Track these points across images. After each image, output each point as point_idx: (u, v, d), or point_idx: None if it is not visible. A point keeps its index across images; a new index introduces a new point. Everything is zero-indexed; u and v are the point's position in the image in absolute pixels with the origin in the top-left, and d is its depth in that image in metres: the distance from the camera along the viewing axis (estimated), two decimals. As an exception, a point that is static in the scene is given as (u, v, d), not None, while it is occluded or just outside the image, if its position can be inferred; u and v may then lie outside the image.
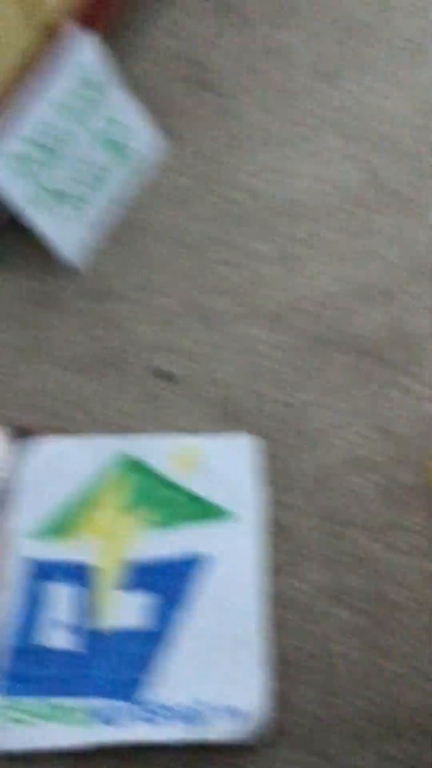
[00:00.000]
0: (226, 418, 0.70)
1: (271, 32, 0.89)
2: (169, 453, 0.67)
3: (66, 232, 0.77)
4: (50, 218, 0.75)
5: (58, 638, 0.63)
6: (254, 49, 0.88)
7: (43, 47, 0.76)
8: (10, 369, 0.75)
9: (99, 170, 0.79)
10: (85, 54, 0.76)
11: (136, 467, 0.67)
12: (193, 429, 0.70)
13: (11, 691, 0.61)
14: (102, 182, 0.79)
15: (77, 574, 0.64)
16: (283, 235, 0.78)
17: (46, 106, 0.74)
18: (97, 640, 0.63)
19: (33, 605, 0.64)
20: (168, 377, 0.72)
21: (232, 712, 0.60)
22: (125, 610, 0.63)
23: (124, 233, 0.80)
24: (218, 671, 0.61)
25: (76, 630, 0.63)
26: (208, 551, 0.64)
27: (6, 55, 0.73)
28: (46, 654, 0.63)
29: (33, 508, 0.67)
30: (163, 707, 0.60)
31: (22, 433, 0.71)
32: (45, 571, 0.65)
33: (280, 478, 0.67)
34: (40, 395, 0.73)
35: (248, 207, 0.79)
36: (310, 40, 0.88)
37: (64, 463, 0.68)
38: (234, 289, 0.75)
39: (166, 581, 0.63)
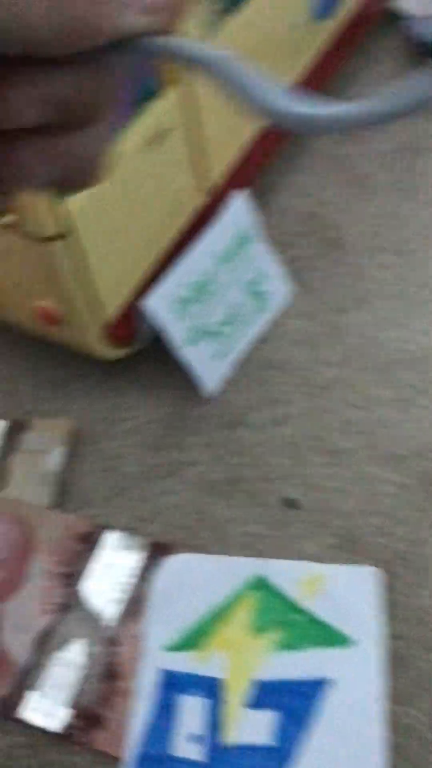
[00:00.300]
0: (347, 547, 0.75)
1: (396, 201, 0.98)
2: (296, 578, 0.72)
3: (208, 366, 0.85)
4: (197, 352, 0.84)
5: (184, 748, 0.67)
6: (378, 214, 0.98)
7: (207, 206, 0.87)
8: (146, 487, 0.82)
9: (241, 312, 0.88)
10: (239, 212, 0.86)
11: (266, 589, 0.72)
12: (316, 556, 0.75)
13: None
14: (243, 323, 0.88)
15: (206, 687, 0.69)
16: (402, 382, 0.84)
17: (205, 256, 0.84)
18: (222, 752, 0.66)
19: (163, 714, 0.68)
20: (293, 505, 0.78)
21: None
22: (250, 726, 0.67)
23: (256, 369, 0.88)
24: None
25: (203, 741, 0.67)
26: (330, 675, 0.68)
27: (180, 216, 0.84)
28: (172, 763, 0.67)
29: (166, 619, 0.72)
30: None
31: (159, 548, 0.77)
32: (175, 682, 0.69)
33: (399, 610, 0.71)
34: (174, 513, 0.80)
35: (369, 354, 0.87)
36: (429, 210, 0.97)
37: (197, 579, 0.74)
38: (357, 429, 0.82)
39: (290, 701, 0.67)
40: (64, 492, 0.82)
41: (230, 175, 0.90)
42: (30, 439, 0.87)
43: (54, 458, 0.85)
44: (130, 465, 0.83)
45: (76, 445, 0.86)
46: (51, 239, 0.70)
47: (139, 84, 0.83)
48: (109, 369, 0.91)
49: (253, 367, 0.88)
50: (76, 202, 0.71)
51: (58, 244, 0.71)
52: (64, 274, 0.73)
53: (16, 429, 0.87)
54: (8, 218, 0.71)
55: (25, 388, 0.91)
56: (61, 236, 0.70)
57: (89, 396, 0.90)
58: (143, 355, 0.89)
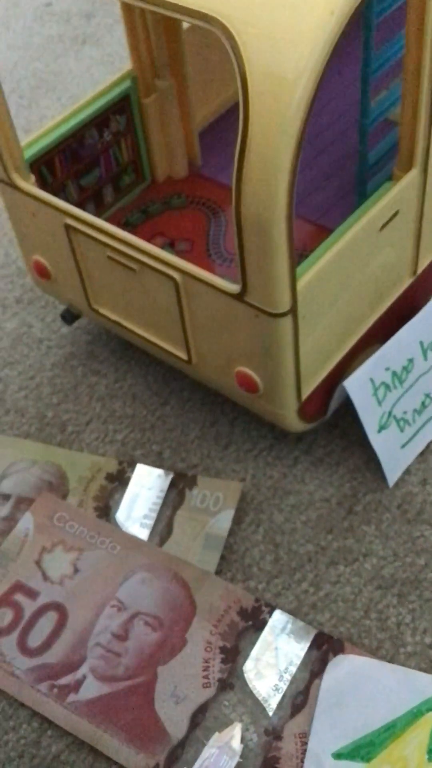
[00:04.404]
0: None
1: None
2: None
3: (393, 454, 0.82)
4: (386, 439, 0.81)
5: None
6: None
7: (413, 289, 0.85)
8: (318, 571, 0.78)
9: (434, 404, 0.86)
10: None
11: None
12: None
13: None
14: (434, 416, 0.86)
15: None
16: None
17: (412, 342, 0.81)
18: None
19: None
20: None
21: None
22: None
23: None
24: None
25: None
26: None
27: (388, 298, 0.82)
28: None
29: (334, 724, 0.69)
30: None
31: (329, 642, 0.73)
32: (341, 794, 0.67)
33: None
34: (346, 606, 0.76)
35: None
36: None
37: (373, 687, 0.70)
38: None
39: None
40: (225, 558, 0.79)
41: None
42: (196, 495, 0.85)
43: (222, 522, 0.82)
44: (298, 543, 0.80)
45: (241, 510, 0.83)
46: (281, 315, 0.68)
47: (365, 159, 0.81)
48: (281, 436, 0.88)
49: (437, 459, 0.86)
50: (304, 280, 0.69)
51: (285, 320, 0.69)
52: (279, 348, 0.71)
53: (182, 482, 0.85)
54: (235, 288, 0.69)
55: (192, 440, 0.89)
56: (290, 312, 0.69)
57: (259, 460, 0.87)
58: (317, 430, 0.87)
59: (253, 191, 0.59)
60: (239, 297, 0.68)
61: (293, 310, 0.68)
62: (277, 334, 0.69)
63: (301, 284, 0.68)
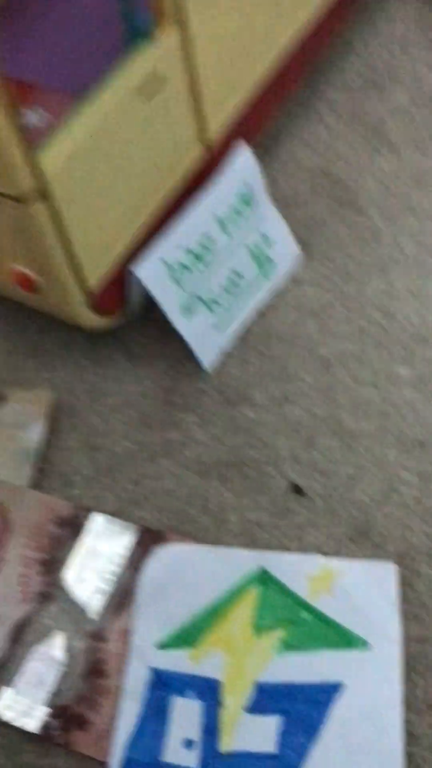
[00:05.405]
0: (359, 540, 0.68)
1: (419, 160, 0.90)
2: (304, 573, 0.66)
3: (206, 337, 0.78)
4: (194, 323, 0.77)
5: (177, 754, 0.61)
6: (398, 174, 0.90)
7: (207, 161, 0.79)
8: (136, 468, 0.75)
9: (244, 280, 0.80)
10: (243, 167, 0.79)
11: (271, 585, 0.65)
12: (324, 549, 0.68)
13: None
14: (245, 292, 0.81)
15: (202, 688, 0.62)
16: (424, 360, 0.77)
17: (206, 217, 0.76)
18: (218, 759, 0.60)
19: (153, 717, 0.62)
20: (300, 492, 0.71)
21: None
22: (251, 733, 0.61)
23: (259, 342, 0.81)
24: None
25: (198, 747, 0.61)
26: (341, 679, 0.61)
27: (175, 174, 0.76)
28: (163, 770, 0.63)
29: (157, 614, 0.66)
30: None
31: (150, 535, 0.70)
32: (168, 683, 0.63)
33: (420, 612, 0.64)
34: (167, 497, 0.73)
35: (385, 328, 0.79)
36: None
37: (193, 572, 0.67)
38: (373, 410, 0.75)
39: (296, 706, 0.61)
40: (44, 471, 0.75)
41: (232, 126, 0.81)
42: (6, 411, 0.79)
43: (33, 434, 0.77)
44: (117, 443, 0.76)
45: (56, 419, 0.78)
46: (27, 199, 0.61)
47: (128, 20, 0.75)
48: (94, 337, 0.83)
49: (256, 339, 0.81)
50: (52, 157, 0.62)
51: (36, 206, 0.62)
52: (41, 238, 0.65)
53: (-6, 401, 0.81)
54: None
55: (0, 354, 0.85)
56: (39, 196, 0.62)
57: (71, 366, 0.82)
58: (133, 324, 0.82)
59: None
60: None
61: (44, 192, 0.62)
62: (34, 221, 0.63)
63: (50, 162, 0.62)
